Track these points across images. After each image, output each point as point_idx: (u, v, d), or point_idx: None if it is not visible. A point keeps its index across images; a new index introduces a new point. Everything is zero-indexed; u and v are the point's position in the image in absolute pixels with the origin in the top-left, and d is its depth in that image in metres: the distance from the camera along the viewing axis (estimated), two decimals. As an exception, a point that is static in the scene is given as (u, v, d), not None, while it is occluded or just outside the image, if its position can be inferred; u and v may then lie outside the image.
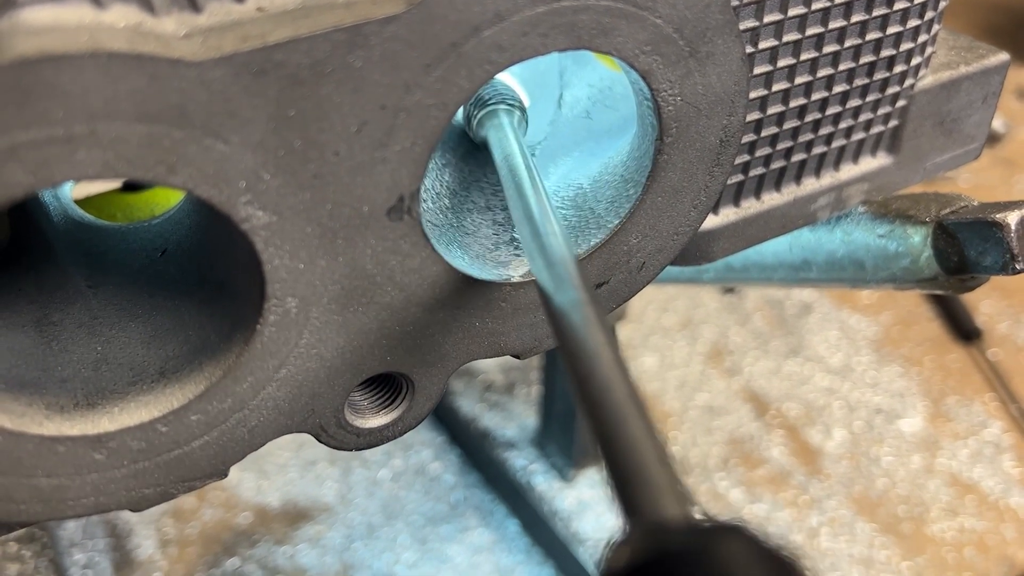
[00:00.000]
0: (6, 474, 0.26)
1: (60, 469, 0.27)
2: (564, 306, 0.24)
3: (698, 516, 0.18)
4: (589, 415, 0.21)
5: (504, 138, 0.33)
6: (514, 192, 0.29)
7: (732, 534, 0.16)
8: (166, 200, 0.45)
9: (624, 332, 1.12)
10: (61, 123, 0.21)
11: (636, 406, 0.20)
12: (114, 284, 0.33)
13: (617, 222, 0.33)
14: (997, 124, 1.43)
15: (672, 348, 1.10)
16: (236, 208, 0.25)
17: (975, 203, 0.43)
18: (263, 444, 0.30)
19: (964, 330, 1.12)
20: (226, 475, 0.30)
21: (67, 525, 0.84)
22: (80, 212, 0.38)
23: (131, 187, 0.46)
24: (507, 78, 0.46)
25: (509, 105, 0.36)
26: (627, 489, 0.19)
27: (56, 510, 0.28)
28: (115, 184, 0.46)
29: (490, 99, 0.36)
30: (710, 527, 0.17)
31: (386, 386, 0.32)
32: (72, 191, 0.43)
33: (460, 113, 0.39)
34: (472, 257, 0.33)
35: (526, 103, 0.45)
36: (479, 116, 0.36)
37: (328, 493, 0.92)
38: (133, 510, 0.29)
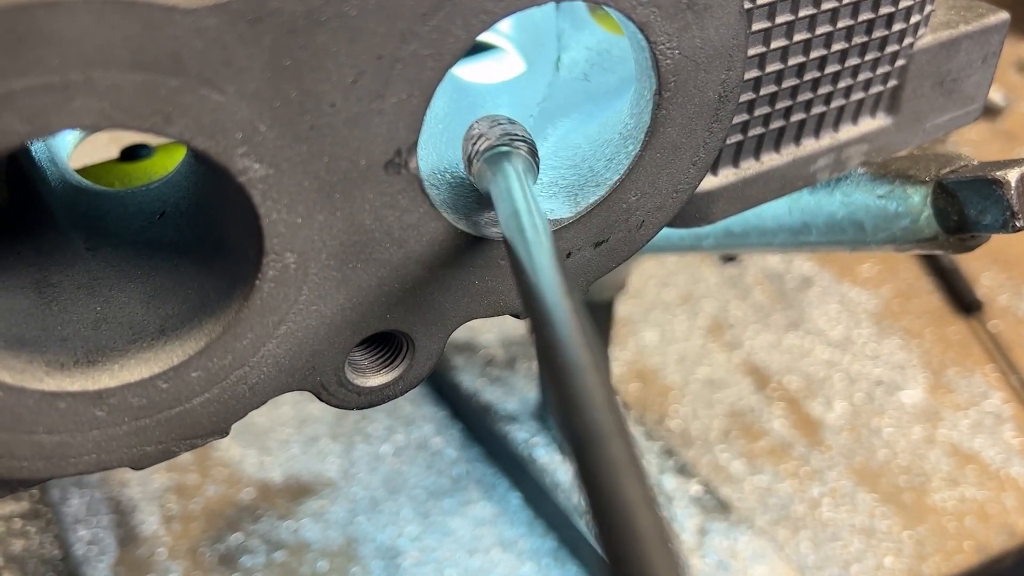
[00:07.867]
0: (7, 430, 0.26)
1: (61, 425, 0.27)
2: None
3: None
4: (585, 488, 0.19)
5: (511, 190, 0.28)
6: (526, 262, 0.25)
7: None
8: (164, 170, 0.44)
9: (625, 307, 1.12)
10: (56, 70, 0.21)
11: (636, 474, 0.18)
12: (113, 246, 0.33)
13: (616, 179, 0.33)
14: (997, 97, 1.42)
15: (673, 323, 1.10)
16: (233, 160, 0.25)
17: (975, 162, 0.42)
18: (264, 402, 0.30)
19: (964, 302, 1.12)
20: (227, 433, 0.30)
21: (71, 502, 0.85)
22: (77, 177, 0.38)
23: (129, 157, 0.46)
24: (504, 42, 0.46)
25: (516, 147, 0.30)
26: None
27: (58, 467, 0.28)
28: (113, 153, 0.46)
29: (496, 142, 0.30)
30: None
31: (387, 345, 0.32)
32: (70, 159, 0.43)
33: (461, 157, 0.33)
34: (471, 215, 0.33)
35: (522, 67, 0.45)
36: (482, 159, 0.30)
37: (331, 468, 0.92)
38: (135, 468, 0.29)
